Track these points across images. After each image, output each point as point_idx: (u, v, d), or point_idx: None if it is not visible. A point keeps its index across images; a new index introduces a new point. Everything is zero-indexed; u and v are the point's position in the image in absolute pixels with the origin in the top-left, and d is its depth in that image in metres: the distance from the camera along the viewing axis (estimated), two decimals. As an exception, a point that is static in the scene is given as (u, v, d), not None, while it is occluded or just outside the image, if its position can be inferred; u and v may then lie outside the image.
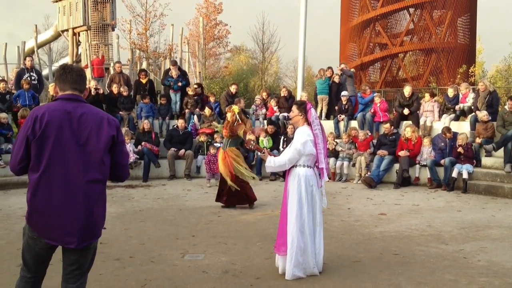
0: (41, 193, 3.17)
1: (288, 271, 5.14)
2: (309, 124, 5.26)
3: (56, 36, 29.50)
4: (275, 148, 12.76)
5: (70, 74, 3.29)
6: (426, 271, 5.41)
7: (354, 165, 12.30)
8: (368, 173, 11.76)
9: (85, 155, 3.19)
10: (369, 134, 12.84)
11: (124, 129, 13.44)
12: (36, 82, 14.37)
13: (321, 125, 5.36)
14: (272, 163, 5.29)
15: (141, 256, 6.00)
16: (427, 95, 13.59)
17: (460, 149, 10.88)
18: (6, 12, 67.55)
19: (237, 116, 8.95)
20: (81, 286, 3.36)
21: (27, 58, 14.44)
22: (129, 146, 12.83)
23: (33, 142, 3.13)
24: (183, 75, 15.69)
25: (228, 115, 9.25)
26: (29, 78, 13.99)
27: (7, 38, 60.58)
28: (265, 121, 14.32)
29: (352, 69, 15.66)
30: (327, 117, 14.86)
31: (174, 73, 15.12)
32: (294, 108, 5.42)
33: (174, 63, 15.99)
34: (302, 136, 5.18)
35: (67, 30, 27.24)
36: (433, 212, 8.65)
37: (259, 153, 5.73)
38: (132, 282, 5.08)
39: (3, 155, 11.87)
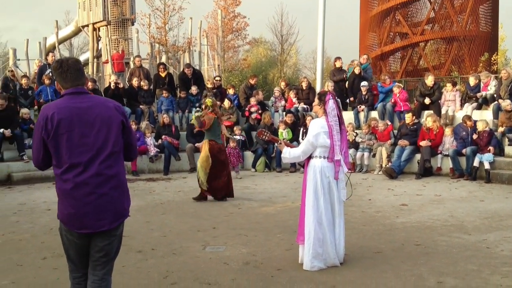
0: (65, 187, 3.26)
1: (306, 262, 5.16)
2: (326, 115, 5.25)
3: (77, 32, 29.75)
4: (294, 140, 12.73)
5: (69, 72, 3.33)
6: (449, 261, 5.36)
7: (374, 155, 12.22)
8: (389, 163, 11.68)
9: (100, 144, 3.27)
10: (389, 123, 12.73)
11: (144, 123, 13.56)
12: None
13: (339, 116, 5.30)
14: (287, 154, 5.35)
15: (163, 248, 6.06)
16: (448, 85, 13.43)
17: (474, 136, 10.77)
18: (28, 9, 68.44)
19: (210, 108, 9.11)
20: (107, 273, 3.44)
21: (50, 54, 14.60)
22: (150, 140, 12.95)
23: (48, 141, 3.22)
24: (197, 78, 15.67)
25: (203, 107, 9.49)
26: (50, 74, 14.16)
27: (30, 35, 61.43)
28: (284, 113, 14.28)
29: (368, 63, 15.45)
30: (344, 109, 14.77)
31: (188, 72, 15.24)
32: (315, 98, 5.47)
33: (188, 65, 16.09)
34: (315, 128, 5.19)
35: (87, 26, 27.45)
36: (455, 202, 8.56)
37: (276, 144, 5.68)
38: (154, 274, 5.14)
39: (26, 150, 12.06)
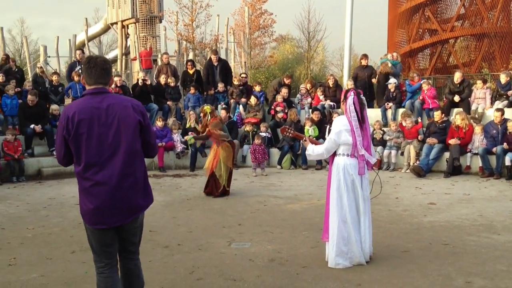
0: (84, 184, 3.43)
1: (331, 259, 5.14)
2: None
3: (106, 29, 30.13)
4: (321, 137, 12.66)
5: (95, 69, 3.45)
6: (477, 261, 5.27)
7: (402, 153, 12.08)
8: (417, 162, 11.53)
9: (118, 143, 3.40)
10: (419, 121, 12.54)
11: (171, 119, 13.68)
12: None
13: (360, 113, 5.20)
14: (311, 151, 5.36)
15: (189, 244, 6.10)
16: (479, 82, 13.19)
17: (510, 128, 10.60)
18: (59, 7, 69.62)
19: (209, 116, 9.19)
20: (136, 253, 3.72)
21: (77, 52, 14.81)
22: (176, 136, 13.05)
23: (69, 140, 3.37)
24: (223, 67, 15.74)
25: (201, 115, 9.63)
26: (79, 70, 14.38)
27: (60, 32, 62.54)
28: (310, 110, 14.22)
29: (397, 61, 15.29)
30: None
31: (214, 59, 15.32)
32: (342, 96, 5.46)
33: (215, 52, 16.16)
34: (337, 126, 5.17)
35: (116, 23, 27.78)
36: (485, 202, 8.40)
37: (301, 141, 5.67)
38: (181, 269, 5.18)
39: (56, 146, 12.28)
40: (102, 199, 3.37)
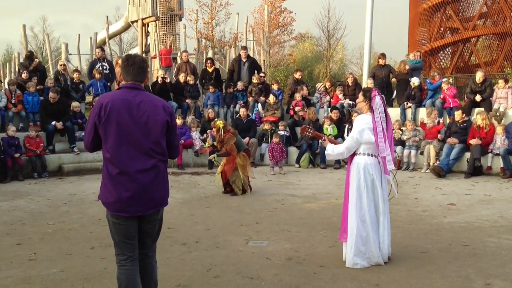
0: (112, 171, 3.54)
1: (349, 259, 5.12)
2: (372, 111, 5.16)
3: (126, 27, 30.33)
4: (340, 136, 12.61)
5: (132, 67, 3.64)
6: (497, 263, 5.20)
7: (422, 153, 11.97)
8: (437, 162, 11.41)
9: (145, 137, 3.55)
10: (441, 121, 12.37)
11: (190, 117, 13.73)
12: (108, 71, 14.86)
13: (386, 113, 5.24)
14: (331, 151, 5.33)
15: (207, 241, 6.13)
16: (500, 81, 12.99)
17: None
18: (82, 5, 70.43)
19: (222, 131, 9.14)
20: (153, 251, 3.82)
21: (97, 50, 14.95)
22: (195, 134, 13.11)
23: (99, 127, 3.52)
24: (253, 62, 15.80)
25: (214, 131, 9.53)
26: (100, 68, 14.51)
27: (82, 30, 63.21)
28: (329, 109, 14.15)
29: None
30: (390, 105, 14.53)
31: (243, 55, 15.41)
32: (360, 95, 5.38)
33: (244, 48, 16.23)
34: (359, 124, 5.14)
35: (136, 21, 27.95)
36: (506, 203, 8.28)
37: (320, 141, 5.60)
38: (198, 266, 5.21)
39: (77, 142, 12.43)
40: (126, 188, 3.50)
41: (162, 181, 3.67)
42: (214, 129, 9.49)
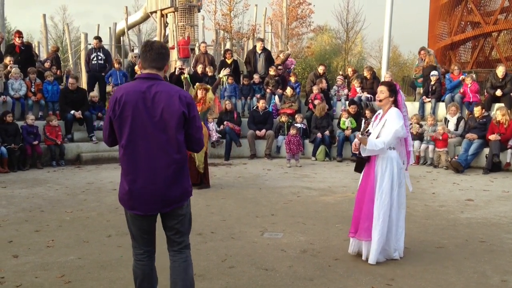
0: (125, 168, 3.46)
1: (373, 256, 5.01)
2: (396, 106, 5.08)
3: (145, 18, 30.42)
4: (357, 130, 12.53)
5: (150, 53, 3.45)
6: (515, 260, 5.15)
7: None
8: (456, 157, 11.28)
9: (160, 131, 3.36)
10: (446, 132, 11.97)
11: (207, 108, 13.74)
12: (102, 61, 14.60)
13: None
14: (374, 146, 4.93)
15: (222, 232, 6.16)
16: (522, 77, 12.78)
17: None
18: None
19: (204, 91, 8.94)
20: (185, 247, 3.61)
21: (94, 40, 14.85)
22: (212, 125, 13.12)
23: (114, 121, 3.41)
24: (268, 55, 15.80)
25: (201, 92, 9.11)
26: (95, 58, 14.40)
27: (104, 19, 63.56)
28: (347, 102, 14.05)
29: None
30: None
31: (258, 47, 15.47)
32: (384, 89, 5.11)
33: (261, 40, 16.22)
34: (399, 118, 4.98)
35: (155, 12, 28.03)
36: (525, 200, 8.18)
37: (359, 135, 5.06)
38: (213, 256, 5.23)
39: (96, 132, 12.56)
40: (139, 185, 3.38)
41: (178, 178, 3.46)
42: (200, 90, 9.07)
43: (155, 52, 3.45)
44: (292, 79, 15.18)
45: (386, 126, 5.02)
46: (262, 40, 16.46)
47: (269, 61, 15.64)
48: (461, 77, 13.46)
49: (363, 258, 5.12)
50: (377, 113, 5.32)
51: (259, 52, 15.56)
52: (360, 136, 5.04)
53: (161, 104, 3.35)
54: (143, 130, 3.35)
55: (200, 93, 8.96)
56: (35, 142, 11.22)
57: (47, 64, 13.92)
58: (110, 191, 8.67)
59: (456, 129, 12.07)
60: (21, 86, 12.64)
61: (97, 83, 14.69)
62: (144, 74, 3.47)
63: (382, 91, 5.13)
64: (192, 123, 3.47)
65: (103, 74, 14.46)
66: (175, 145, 3.40)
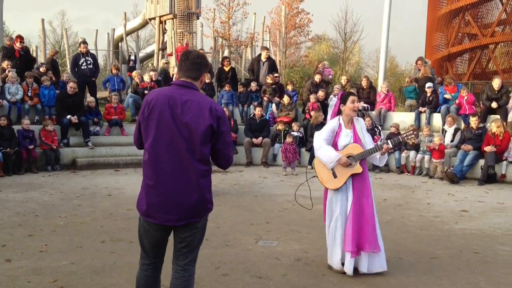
0: (145, 172, 3.35)
1: (385, 263, 5.00)
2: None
3: (144, 24, 30.53)
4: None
5: (185, 62, 3.37)
6: (508, 271, 5.15)
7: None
8: (451, 168, 11.31)
9: (184, 140, 3.24)
10: (443, 143, 11.99)
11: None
12: (91, 66, 14.41)
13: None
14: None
15: (216, 239, 6.14)
16: (517, 89, 12.86)
17: None
18: (104, 0, 71.14)
19: None
20: (190, 264, 3.44)
21: (82, 45, 14.72)
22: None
23: (142, 123, 3.36)
24: (272, 64, 15.86)
25: None
26: (85, 63, 14.32)
27: (103, 25, 63.72)
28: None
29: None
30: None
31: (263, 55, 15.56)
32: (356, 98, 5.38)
33: (266, 49, 16.28)
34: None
35: (154, 18, 28.12)
36: (519, 212, 8.20)
37: (383, 145, 5.10)
38: (207, 263, 5.22)
39: (91, 137, 12.54)
40: (157, 193, 3.27)
41: (199, 192, 3.32)
42: None
43: (190, 62, 3.37)
44: (290, 87, 15.22)
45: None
46: (268, 49, 16.49)
47: (273, 70, 15.68)
48: (457, 93, 13.45)
49: (365, 271, 4.94)
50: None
51: (264, 60, 15.61)
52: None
53: (190, 113, 3.23)
54: (168, 136, 3.24)
55: None
56: (31, 147, 11.20)
57: (42, 69, 13.91)
58: (105, 196, 8.65)
59: (452, 140, 12.09)
60: (17, 90, 12.64)
61: (87, 88, 14.57)
62: (179, 81, 3.39)
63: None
64: (220, 138, 3.34)
65: (93, 79, 14.38)
66: (199, 156, 3.27)
